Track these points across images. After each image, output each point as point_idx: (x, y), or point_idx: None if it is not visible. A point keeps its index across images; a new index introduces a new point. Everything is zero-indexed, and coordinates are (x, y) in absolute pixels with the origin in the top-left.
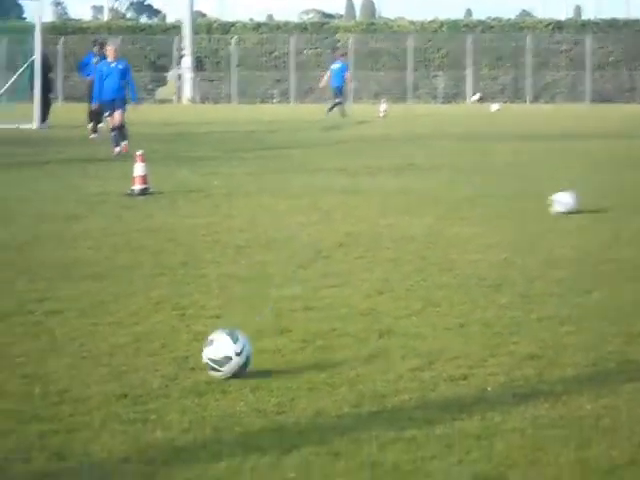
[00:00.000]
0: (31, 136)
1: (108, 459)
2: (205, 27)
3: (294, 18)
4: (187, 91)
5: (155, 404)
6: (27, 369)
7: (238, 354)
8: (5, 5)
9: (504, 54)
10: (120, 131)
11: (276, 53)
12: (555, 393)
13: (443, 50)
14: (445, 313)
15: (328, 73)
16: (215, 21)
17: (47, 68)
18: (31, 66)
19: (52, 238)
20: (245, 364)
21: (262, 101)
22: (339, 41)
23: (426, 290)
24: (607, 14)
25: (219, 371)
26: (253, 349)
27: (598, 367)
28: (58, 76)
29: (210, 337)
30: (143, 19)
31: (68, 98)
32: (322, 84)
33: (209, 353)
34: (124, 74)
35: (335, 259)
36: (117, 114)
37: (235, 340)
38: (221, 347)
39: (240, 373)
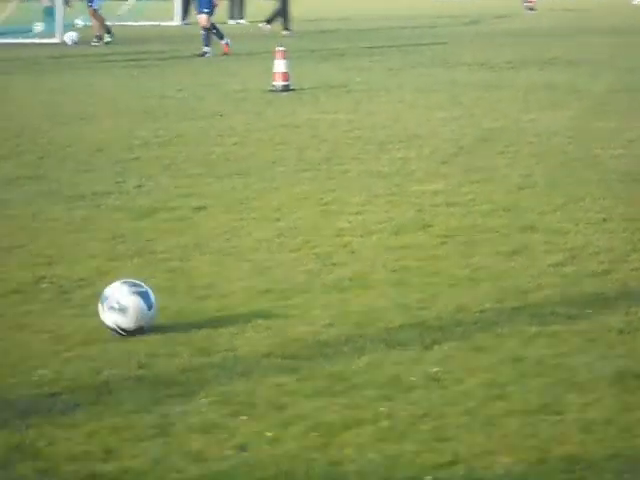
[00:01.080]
0: (174, 33)
1: (252, 353)
2: None
3: None
4: None
5: (298, 299)
6: (172, 264)
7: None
8: None
9: None
10: (211, 32)
11: None
12: None
13: None
14: (588, 208)
15: None
16: None
17: None
18: None
19: (196, 135)
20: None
21: None
22: None
23: (569, 185)
24: None
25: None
26: None
27: None
28: None
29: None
30: None
31: None
32: None
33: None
34: None
35: (477, 154)
36: (201, 17)
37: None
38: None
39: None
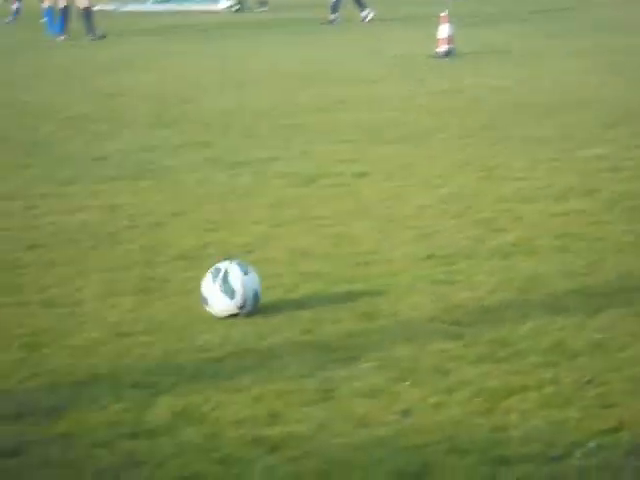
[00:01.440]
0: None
1: (415, 319)
2: None
3: None
4: None
5: (461, 265)
6: (334, 230)
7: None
8: None
9: None
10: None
11: None
12: None
13: None
14: None
15: None
16: None
17: None
18: None
19: (358, 101)
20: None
21: None
22: None
23: None
24: None
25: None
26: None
27: None
28: None
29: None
30: None
31: None
32: None
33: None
34: None
35: None
36: None
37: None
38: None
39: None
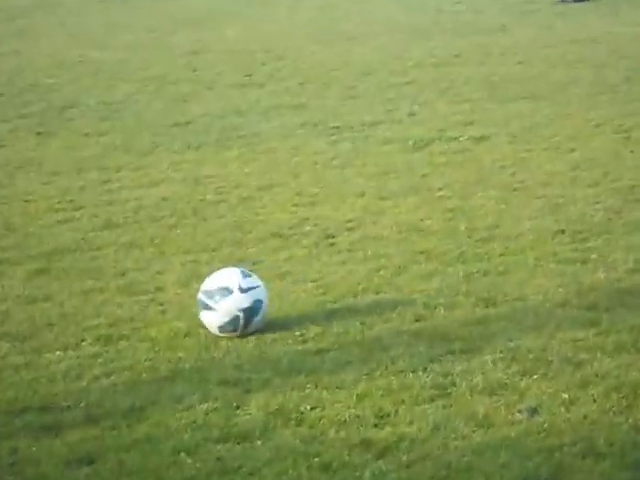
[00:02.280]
0: None
1: (544, 303)
2: None
3: None
4: None
5: (596, 241)
6: (450, 203)
7: (243, 290)
8: None
9: None
10: None
11: None
12: None
13: None
14: None
15: None
16: None
17: None
18: None
19: (476, 53)
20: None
21: None
22: None
23: None
24: None
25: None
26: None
27: None
28: None
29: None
30: None
31: None
32: None
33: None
34: None
35: None
36: None
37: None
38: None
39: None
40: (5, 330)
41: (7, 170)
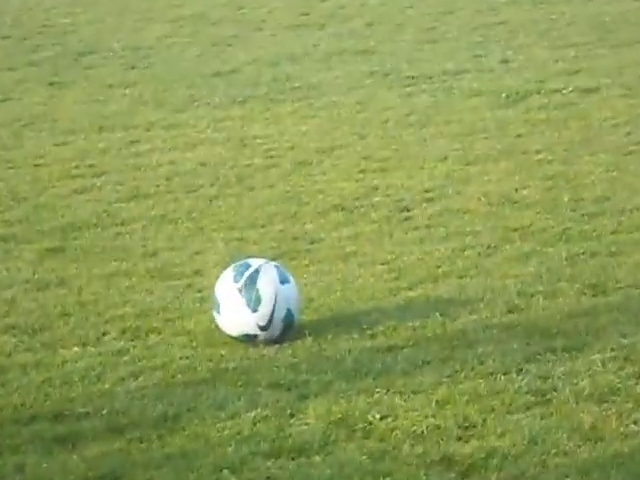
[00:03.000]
0: None
1: None
2: None
3: None
4: None
5: None
6: (551, 169)
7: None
8: None
9: None
10: None
11: None
12: None
13: None
14: None
15: None
16: None
17: None
18: None
19: None
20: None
21: None
22: None
23: None
24: None
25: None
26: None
27: None
28: None
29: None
30: None
31: None
32: None
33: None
34: None
35: None
36: None
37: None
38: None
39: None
40: (11, 322)
41: (14, 128)
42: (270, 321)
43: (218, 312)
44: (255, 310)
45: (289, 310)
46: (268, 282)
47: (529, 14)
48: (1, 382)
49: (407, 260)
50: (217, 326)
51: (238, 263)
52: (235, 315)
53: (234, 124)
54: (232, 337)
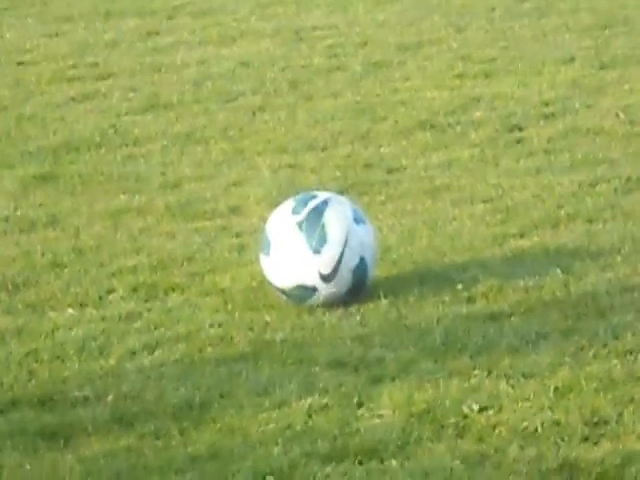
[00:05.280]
0: None
1: None
2: None
3: None
4: None
5: None
6: None
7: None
8: None
9: None
10: None
11: None
12: None
13: None
14: None
15: None
16: None
17: None
18: None
19: None
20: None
21: None
22: None
23: None
24: None
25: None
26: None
27: None
28: None
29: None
30: None
31: None
32: None
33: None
34: None
35: None
36: None
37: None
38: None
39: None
40: None
41: None
42: (336, 270)
43: (267, 253)
44: (317, 251)
45: (362, 259)
46: (338, 218)
47: None
48: None
49: (518, 197)
50: (263, 277)
51: (300, 194)
52: (291, 257)
53: (286, 10)
54: (283, 292)
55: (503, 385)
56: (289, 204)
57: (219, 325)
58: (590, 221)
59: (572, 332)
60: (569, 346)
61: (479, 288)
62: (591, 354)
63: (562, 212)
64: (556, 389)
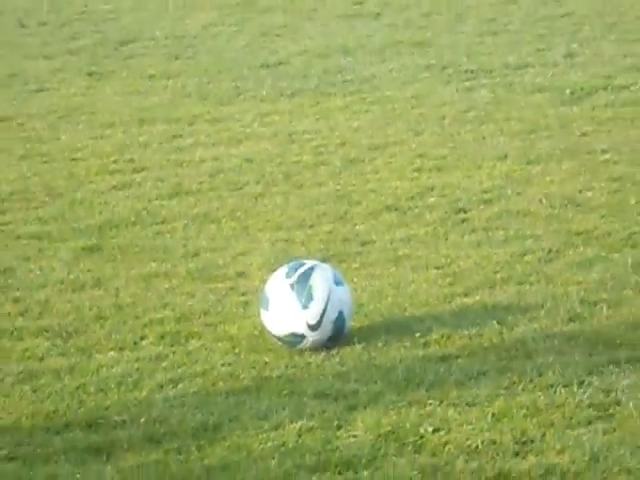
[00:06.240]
0: None
1: None
2: None
3: None
4: None
5: None
6: (617, 170)
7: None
8: None
9: None
10: None
11: None
12: None
13: None
14: None
15: None
16: None
17: None
18: None
19: None
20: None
21: None
22: None
23: None
24: None
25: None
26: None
27: None
28: None
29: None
30: None
31: None
32: None
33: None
34: None
35: None
36: None
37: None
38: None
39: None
40: (45, 324)
41: (50, 120)
42: (320, 321)
43: (266, 309)
44: (306, 307)
45: (341, 313)
46: (322, 280)
47: (596, 6)
48: (33, 388)
49: (463, 265)
50: (263, 326)
51: (292, 261)
52: (284, 311)
53: (282, 119)
54: (278, 338)
55: (452, 412)
56: (283, 269)
57: (229, 364)
58: (520, 284)
59: (505, 370)
60: (503, 381)
61: (433, 336)
62: (520, 388)
63: (498, 276)
64: (493, 415)
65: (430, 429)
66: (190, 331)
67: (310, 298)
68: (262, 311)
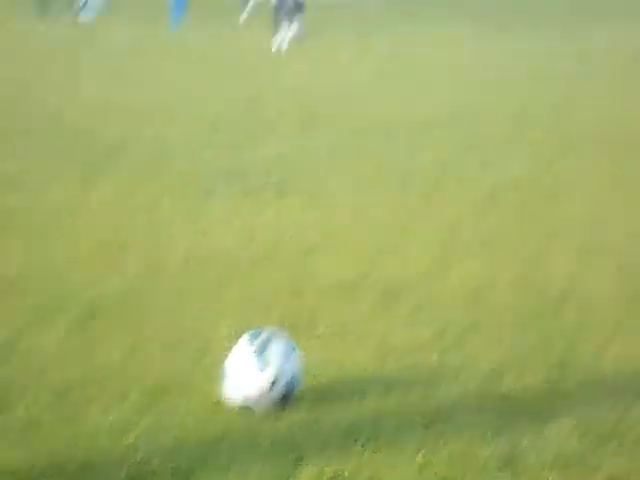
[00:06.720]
0: None
1: (622, 371)
2: None
3: None
4: None
5: None
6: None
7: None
8: None
9: None
10: None
11: None
12: None
13: None
14: None
15: None
16: None
17: None
18: None
19: None
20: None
21: None
22: None
23: None
24: None
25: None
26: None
27: None
28: None
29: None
30: None
31: None
32: None
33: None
34: None
35: None
36: None
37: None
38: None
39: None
40: (46, 383)
41: None
42: (275, 383)
43: (228, 375)
44: (263, 370)
45: (294, 376)
46: (278, 347)
47: None
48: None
49: (396, 339)
50: (225, 390)
51: (253, 330)
52: (244, 376)
53: (246, 213)
54: (237, 403)
55: (384, 461)
56: (244, 339)
57: (199, 421)
58: (442, 356)
59: (429, 427)
60: (428, 435)
61: (369, 397)
62: (442, 442)
63: (423, 349)
64: (419, 464)
65: (367, 474)
66: (167, 389)
67: (267, 364)
68: (225, 378)
